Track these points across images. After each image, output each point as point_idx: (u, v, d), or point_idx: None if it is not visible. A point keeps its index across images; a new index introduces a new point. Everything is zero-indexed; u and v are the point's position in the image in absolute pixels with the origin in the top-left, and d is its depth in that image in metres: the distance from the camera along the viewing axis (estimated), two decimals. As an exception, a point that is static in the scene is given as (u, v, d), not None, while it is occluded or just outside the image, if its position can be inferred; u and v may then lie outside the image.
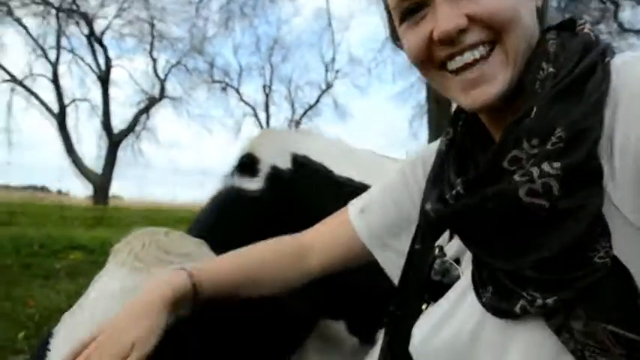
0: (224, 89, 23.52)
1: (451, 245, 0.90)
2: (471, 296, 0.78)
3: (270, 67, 24.01)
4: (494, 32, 0.77)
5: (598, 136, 0.68)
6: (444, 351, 0.80)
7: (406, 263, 0.98)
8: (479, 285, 0.77)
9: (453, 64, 0.80)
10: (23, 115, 20.87)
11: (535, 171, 0.68)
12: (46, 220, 9.75)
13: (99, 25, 21.26)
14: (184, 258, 1.12)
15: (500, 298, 0.73)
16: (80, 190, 21.11)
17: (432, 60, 0.82)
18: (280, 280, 1.15)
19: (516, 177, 0.70)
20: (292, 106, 25.06)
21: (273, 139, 1.61)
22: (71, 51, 21.69)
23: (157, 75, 22.09)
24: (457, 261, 0.87)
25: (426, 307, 0.88)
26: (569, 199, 0.67)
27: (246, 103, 24.20)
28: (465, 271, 0.83)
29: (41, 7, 20.26)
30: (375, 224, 1.11)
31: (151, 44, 21.52)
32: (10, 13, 19.84)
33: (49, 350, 1.01)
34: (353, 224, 1.13)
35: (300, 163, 1.54)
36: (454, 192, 0.78)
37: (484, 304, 0.75)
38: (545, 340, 0.69)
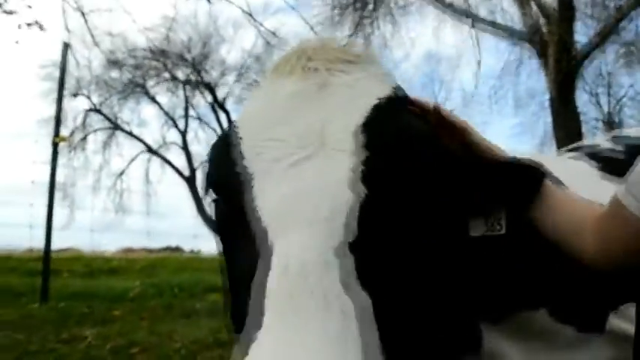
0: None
1: None
2: None
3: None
4: None
5: None
6: None
7: None
8: None
9: None
10: (159, 181, 22.43)
11: None
12: (183, 271, 10.10)
13: (221, 92, 22.76)
14: (359, 59, 1.07)
15: None
16: (211, 249, 22.02)
17: None
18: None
19: None
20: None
21: None
22: (198, 118, 23.35)
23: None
24: None
25: None
26: None
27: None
28: None
29: (170, 83, 22.18)
30: None
31: (269, 104, 22.49)
32: (146, 93, 21.98)
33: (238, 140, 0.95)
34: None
35: None
36: None
37: None
38: None
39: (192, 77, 22.06)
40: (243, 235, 0.88)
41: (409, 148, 0.91)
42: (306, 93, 0.97)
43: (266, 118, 0.95)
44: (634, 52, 16.67)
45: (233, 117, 21.14)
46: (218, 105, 22.18)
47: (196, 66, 21.61)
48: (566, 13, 10.60)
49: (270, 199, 0.84)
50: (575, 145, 1.95)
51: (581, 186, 1.45)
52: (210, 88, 22.07)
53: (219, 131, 22.63)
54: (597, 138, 1.91)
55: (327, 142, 0.88)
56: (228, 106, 22.50)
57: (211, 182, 0.98)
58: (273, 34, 16.97)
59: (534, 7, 11.45)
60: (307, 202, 0.81)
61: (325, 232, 0.78)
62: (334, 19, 13.62)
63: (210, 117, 22.97)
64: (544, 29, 11.09)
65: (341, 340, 0.68)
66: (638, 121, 18.43)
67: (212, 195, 1.00)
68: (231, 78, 22.53)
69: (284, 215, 0.81)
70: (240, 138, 0.93)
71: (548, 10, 11.09)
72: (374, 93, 0.97)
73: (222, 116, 22.61)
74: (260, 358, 0.67)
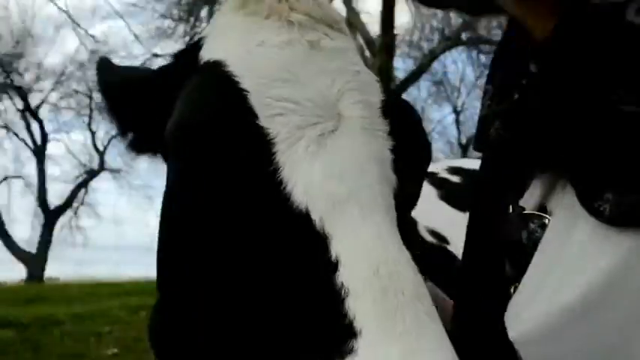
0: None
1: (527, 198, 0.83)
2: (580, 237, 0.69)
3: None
4: None
5: None
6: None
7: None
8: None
9: None
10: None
11: None
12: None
13: (35, 98, 20.67)
14: (336, 25, 0.98)
15: None
16: (12, 276, 19.50)
17: None
18: None
19: None
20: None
21: None
22: (4, 126, 20.91)
23: (95, 147, 21.38)
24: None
25: (514, 290, 0.78)
26: None
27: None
28: (557, 215, 0.76)
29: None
30: None
31: (90, 117, 20.99)
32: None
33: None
34: None
35: None
36: None
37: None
38: None
39: (1, 79, 19.78)
40: (243, 206, 0.79)
41: (417, 135, 0.97)
42: (299, 48, 0.91)
43: (265, 69, 0.87)
44: (442, 90, 18.93)
45: (47, 127, 19.26)
46: (30, 112, 20.25)
47: (6, 66, 19.46)
48: (388, 50, 11.53)
49: (306, 174, 0.77)
50: None
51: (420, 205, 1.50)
52: (22, 93, 19.99)
53: (29, 142, 20.51)
54: (435, 165, 2.07)
55: (346, 116, 0.84)
56: (42, 114, 20.61)
57: (190, 125, 0.84)
58: (92, 37, 15.83)
59: (361, 40, 12.26)
60: (358, 185, 0.76)
61: (391, 223, 0.75)
62: (166, 30, 13.24)
63: (19, 126, 20.78)
64: (369, 62, 11.88)
65: (445, 341, 0.65)
66: (446, 156, 20.65)
67: (177, 136, 0.86)
68: (47, 84, 20.68)
69: (333, 197, 0.74)
70: (245, 90, 0.84)
71: (373, 45, 11.95)
72: (365, 69, 0.97)
73: (34, 125, 20.54)
74: None
